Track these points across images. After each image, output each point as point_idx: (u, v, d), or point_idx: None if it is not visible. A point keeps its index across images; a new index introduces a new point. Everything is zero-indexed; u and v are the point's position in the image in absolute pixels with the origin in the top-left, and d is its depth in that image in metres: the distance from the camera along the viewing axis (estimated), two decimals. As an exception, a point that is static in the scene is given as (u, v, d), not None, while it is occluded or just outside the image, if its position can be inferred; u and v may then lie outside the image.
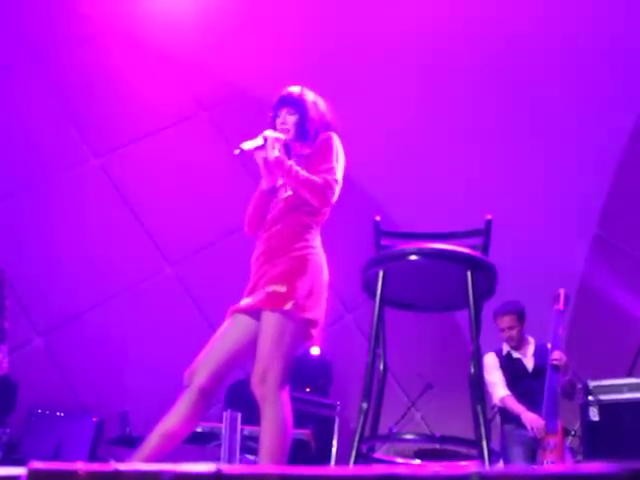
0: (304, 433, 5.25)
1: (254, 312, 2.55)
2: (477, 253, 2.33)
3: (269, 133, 2.70)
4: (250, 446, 4.92)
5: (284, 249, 2.60)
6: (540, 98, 6.41)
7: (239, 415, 4.51)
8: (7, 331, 4.77)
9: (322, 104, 2.90)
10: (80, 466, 0.93)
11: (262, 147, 2.66)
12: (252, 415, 5.05)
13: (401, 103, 6.69)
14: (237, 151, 2.63)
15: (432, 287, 2.43)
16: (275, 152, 2.64)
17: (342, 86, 6.65)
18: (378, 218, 2.58)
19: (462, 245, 2.35)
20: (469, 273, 2.22)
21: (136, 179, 6.96)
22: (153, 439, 2.42)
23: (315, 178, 2.62)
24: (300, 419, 5.95)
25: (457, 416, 6.17)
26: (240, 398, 5.50)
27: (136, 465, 0.87)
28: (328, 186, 2.63)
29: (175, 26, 6.76)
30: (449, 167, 6.84)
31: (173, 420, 2.45)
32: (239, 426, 4.57)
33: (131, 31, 6.73)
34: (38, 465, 0.95)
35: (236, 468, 0.78)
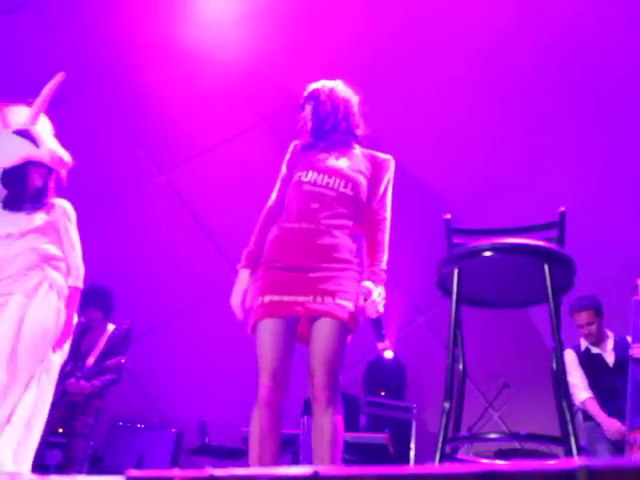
0: (382, 437, 5.24)
1: (304, 314, 2.57)
2: (554, 245, 2.28)
3: (371, 311, 2.64)
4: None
5: (347, 261, 2.66)
6: (609, 86, 6.23)
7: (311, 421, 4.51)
8: (122, 366, 5.08)
9: (343, 89, 2.99)
10: (176, 473, 0.94)
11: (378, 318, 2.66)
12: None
13: (465, 99, 6.61)
14: (384, 346, 2.71)
15: (508, 283, 2.38)
16: (377, 299, 2.62)
17: (404, 87, 6.63)
18: (448, 216, 2.54)
19: (536, 239, 2.30)
20: (547, 267, 2.16)
21: (201, 192, 7.08)
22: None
23: (383, 251, 2.76)
24: (377, 423, 5.99)
25: (536, 414, 6.07)
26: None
27: (232, 470, 0.88)
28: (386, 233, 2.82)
29: (232, 39, 6.85)
30: (517, 161, 6.71)
31: (270, 448, 2.50)
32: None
33: (191, 47, 6.85)
34: (135, 473, 0.96)
35: (332, 469, 0.77)
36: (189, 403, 6.36)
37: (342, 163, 2.82)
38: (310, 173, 2.79)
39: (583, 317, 4.70)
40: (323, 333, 2.53)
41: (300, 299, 2.56)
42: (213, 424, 5.76)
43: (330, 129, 2.90)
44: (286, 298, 2.57)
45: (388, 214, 2.84)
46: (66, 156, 3.50)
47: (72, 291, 3.43)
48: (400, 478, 0.77)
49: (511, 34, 6.25)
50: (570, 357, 4.65)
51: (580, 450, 2.00)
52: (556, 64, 6.25)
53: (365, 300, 2.60)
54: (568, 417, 2.04)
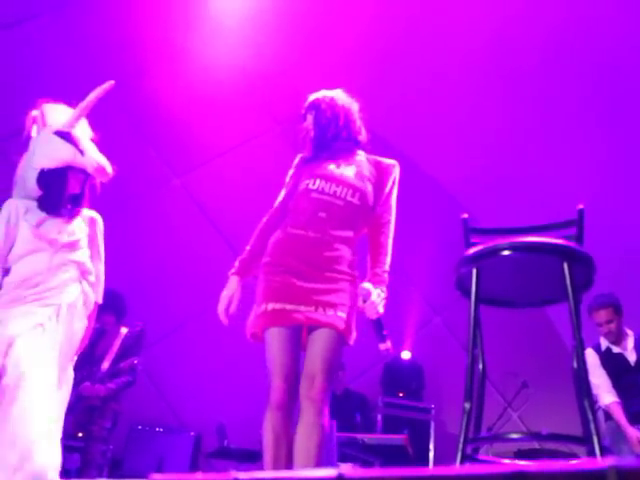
0: (401, 438, 5.22)
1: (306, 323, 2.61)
2: (573, 243, 2.26)
3: (370, 312, 2.67)
4: (345, 453, 4.93)
5: (346, 274, 2.71)
6: (627, 80, 6.16)
7: (334, 423, 4.52)
8: (136, 367, 5.13)
9: (343, 98, 3.03)
10: (200, 476, 0.93)
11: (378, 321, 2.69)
12: (345, 423, 5.05)
13: (481, 99, 6.57)
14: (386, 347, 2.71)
15: (527, 282, 2.36)
16: (377, 300, 2.65)
17: (419, 88, 6.61)
18: (466, 216, 2.53)
19: (554, 237, 2.28)
20: (566, 265, 2.15)
21: (217, 196, 7.09)
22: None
23: (386, 254, 2.80)
24: (395, 424, 5.98)
25: (555, 414, 6.03)
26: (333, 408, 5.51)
27: (256, 473, 0.88)
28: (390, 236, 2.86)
29: (246, 43, 6.86)
30: (534, 160, 6.68)
31: (284, 450, 2.52)
32: (335, 434, 4.58)
33: (204, 51, 6.86)
34: (159, 477, 0.96)
35: (357, 472, 0.77)
36: (207, 406, 6.37)
37: (349, 172, 2.85)
38: (318, 181, 2.82)
39: (602, 315, 4.65)
40: (323, 340, 2.59)
41: (302, 308, 2.60)
42: (231, 427, 5.77)
43: (332, 137, 2.94)
44: (288, 306, 2.61)
45: (392, 217, 2.88)
46: (108, 167, 3.44)
47: (94, 306, 3.41)
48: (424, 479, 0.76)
49: (525, 29, 6.21)
50: (591, 357, 4.60)
51: (603, 450, 1.98)
52: (572, 59, 6.20)
53: (364, 302, 2.63)
54: (590, 417, 2.02)
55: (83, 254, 3.36)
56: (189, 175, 7.15)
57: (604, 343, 4.69)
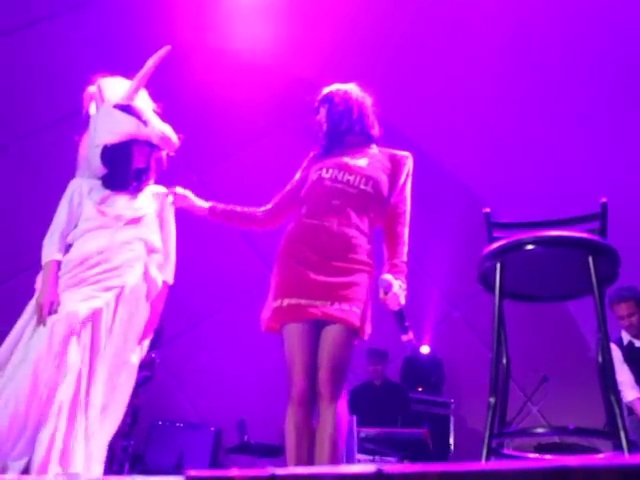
0: (421, 432, 5.22)
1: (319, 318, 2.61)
2: (597, 237, 2.24)
3: (392, 304, 2.66)
4: (366, 447, 4.94)
5: (364, 263, 2.69)
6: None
7: (354, 418, 4.53)
8: (154, 361, 5.18)
9: (356, 91, 3.04)
10: (235, 472, 0.94)
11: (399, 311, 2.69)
12: (366, 418, 5.05)
13: (500, 93, 6.54)
14: (408, 338, 2.72)
15: (551, 276, 2.35)
16: (398, 292, 2.65)
17: (436, 83, 6.59)
18: (488, 210, 2.52)
19: (577, 231, 2.27)
20: (591, 259, 2.13)
21: (235, 191, 7.09)
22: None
23: (403, 244, 2.80)
24: (415, 418, 5.97)
25: (575, 408, 6.00)
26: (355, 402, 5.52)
27: (294, 469, 0.88)
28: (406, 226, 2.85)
29: (260, 38, 6.86)
30: (554, 154, 6.63)
31: (307, 445, 2.54)
32: (355, 428, 4.59)
33: (220, 48, 6.87)
34: (194, 473, 0.97)
35: (396, 467, 0.77)
36: (227, 402, 6.39)
37: (362, 162, 2.86)
38: (331, 170, 2.83)
39: (623, 308, 4.63)
40: (333, 333, 2.59)
41: (317, 303, 2.60)
42: (252, 422, 5.79)
43: (345, 130, 2.95)
44: (303, 301, 2.62)
45: (408, 208, 2.87)
46: (174, 137, 3.30)
47: (163, 286, 3.24)
48: (464, 475, 0.76)
49: (546, 19, 6.15)
50: (614, 352, 4.55)
51: (630, 445, 1.97)
52: (594, 50, 6.14)
53: (385, 294, 2.62)
54: (617, 411, 2.01)
55: (150, 231, 3.20)
56: (207, 171, 7.17)
57: (626, 337, 4.67)
